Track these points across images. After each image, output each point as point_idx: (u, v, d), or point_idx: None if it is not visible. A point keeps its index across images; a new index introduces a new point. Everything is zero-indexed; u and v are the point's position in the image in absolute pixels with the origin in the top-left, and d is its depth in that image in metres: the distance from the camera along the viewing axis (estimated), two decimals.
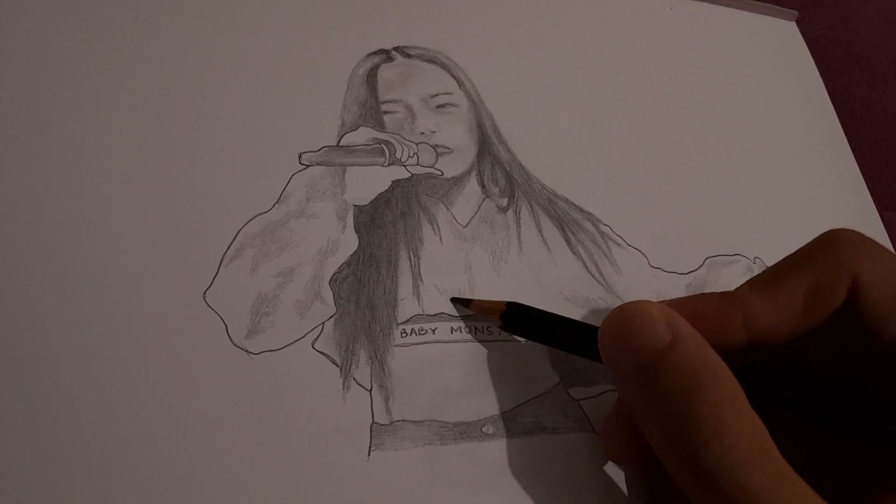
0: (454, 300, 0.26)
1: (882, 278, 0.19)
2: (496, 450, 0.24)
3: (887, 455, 0.19)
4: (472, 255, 0.27)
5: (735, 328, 0.19)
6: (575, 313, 0.27)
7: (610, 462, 0.24)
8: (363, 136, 0.28)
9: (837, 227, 0.21)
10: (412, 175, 0.28)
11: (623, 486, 0.24)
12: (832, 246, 0.20)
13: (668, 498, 0.22)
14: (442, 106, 0.30)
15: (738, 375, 0.18)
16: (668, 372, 0.18)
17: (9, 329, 0.22)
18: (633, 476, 0.24)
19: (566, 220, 0.29)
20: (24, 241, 0.23)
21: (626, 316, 0.19)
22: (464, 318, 0.26)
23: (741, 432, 0.16)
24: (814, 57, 0.40)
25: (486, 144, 0.30)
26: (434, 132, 0.29)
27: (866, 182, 0.36)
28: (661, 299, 0.22)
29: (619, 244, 0.29)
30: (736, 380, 0.18)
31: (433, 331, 0.25)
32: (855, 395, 0.20)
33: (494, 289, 0.27)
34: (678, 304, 0.20)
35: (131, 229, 0.24)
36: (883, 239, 0.34)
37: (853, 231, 0.20)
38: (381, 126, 0.29)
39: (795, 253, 0.20)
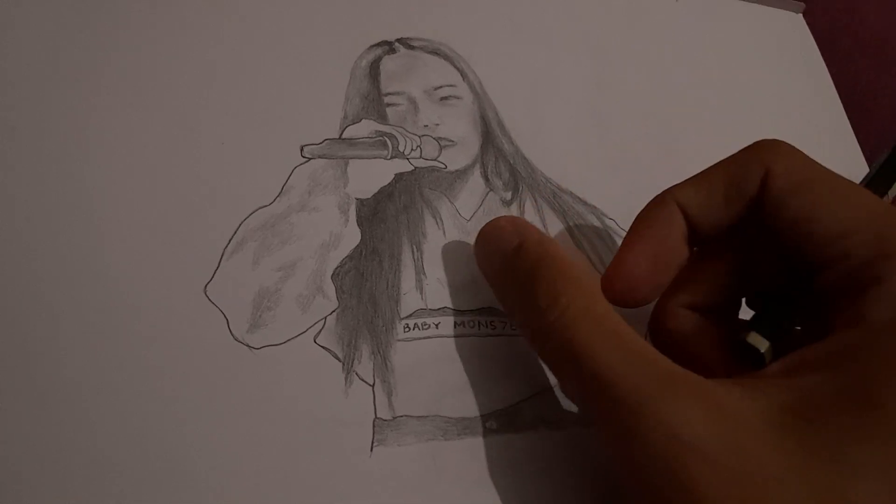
0: None
1: (787, 170, 0.21)
2: (500, 445, 0.23)
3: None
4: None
5: (675, 217, 0.22)
6: None
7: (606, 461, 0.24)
8: (366, 128, 0.28)
9: None
10: (415, 168, 0.28)
11: None
12: (753, 146, 0.22)
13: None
14: (445, 98, 0.30)
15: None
16: (516, 265, 0.22)
17: (9, 322, 0.22)
18: None
19: (571, 213, 0.29)
20: (25, 235, 0.23)
21: (484, 230, 0.24)
22: (467, 312, 0.25)
23: (571, 301, 0.20)
24: (821, 47, 0.39)
25: (490, 137, 0.30)
26: (437, 125, 0.29)
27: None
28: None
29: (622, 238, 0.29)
30: (573, 264, 0.21)
31: (436, 325, 0.25)
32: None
33: None
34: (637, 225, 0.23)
35: (132, 223, 0.24)
36: None
37: (777, 139, 0.22)
38: (383, 118, 0.28)
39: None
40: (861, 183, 0.24)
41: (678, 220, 0.22)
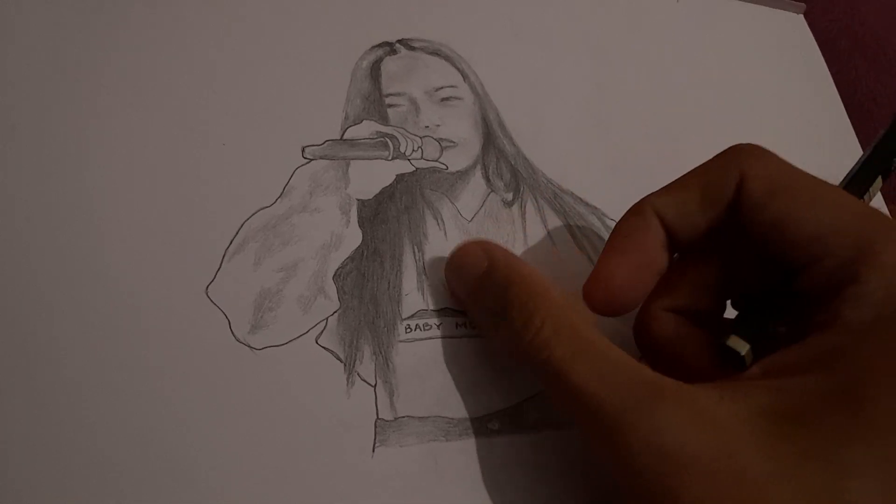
0: None
1: (762, 174, 0.21)
2: (502, 446, 0.23)
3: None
4: None
5: (653, 225, 0.23)
6: None
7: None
8: (367, 129, 0.28)
9: None
10: (416, 169, 0.28)
11: None
12: (728, 152, 0.22)
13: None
14: (446, 99, 0.30)
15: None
16: (487, 288, 0.22)
17: (11, 323, 0.22)
18: None
19: (572, 214, 0.29)
20: (27, 236, 0.23)
21: (452, 256, 0.24)
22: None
23: (544, 320, 0.20)
24: (821, 49, 0.39)
25: (491, 138, 0.30)
26: (438, 125, 0.29)
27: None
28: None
29: None
30: (543, 280, 0.21)
31: (438, 326, 0.25)
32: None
33: None
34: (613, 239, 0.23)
35: (133, 224, 0.24)
36: None
37: (752, 143, 0.22)
38: (384, 119, 0.28)
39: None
40: (840, 184, 0.24)
41: (656, 227, 0.23)
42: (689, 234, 0.23)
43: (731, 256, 0.23)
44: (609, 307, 0.23)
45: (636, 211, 0.23)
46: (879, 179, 0.24)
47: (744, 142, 0.23)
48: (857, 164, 0.25)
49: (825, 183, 0.21)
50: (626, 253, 0.23)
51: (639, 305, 0.24)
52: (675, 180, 0.23)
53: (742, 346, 0.20)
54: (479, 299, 0.23)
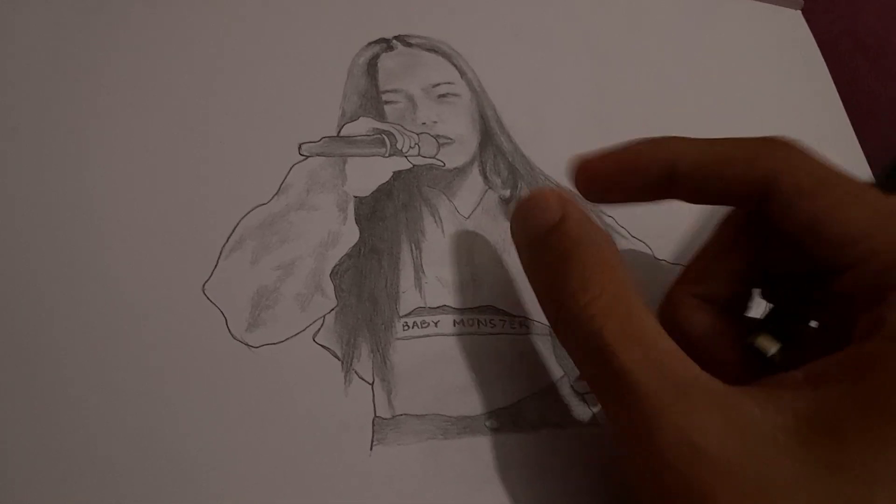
0: None
1: (797, 172, 0.20)
2: (500, 444, 0.23)
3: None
4: (474, 247, 0.27)
5: (662, 156, 0.22)
6: None
7: (615, 459, 0.24)
8: (364, 126, 0.28)
9: None
10: (414, 166, 0.28)
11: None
12: (764, 142, 0.21)
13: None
14: (443, 96, 0.30)
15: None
16: (553, 241, 0.21)
17: (7, 321, 0.22)
18: None
19: None
20: (23, 233, 0.23)
21: (526, 200, 0.22)
22: (467, 310, 0.25)
23: (604, 289, 0.19)
24: (822, 49, 0.39)
25: (489, 135, 0.30)
26: (436, 122, 0.29)
27: (874, 175, 0.36)
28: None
29: (623, 236, 0.29)
30: (616, 251, 0.20)
31: (436, 324, 0.25)
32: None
33: (498, 281, 0.26)
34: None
35: (130, 221, 0.24)
36: None
37: (788, 140, 0.21)
38: (381, 116, 0.28)
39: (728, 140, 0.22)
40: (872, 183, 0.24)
41: (662, 161, 0.22)
42: (692, 189, 0.22)
43: (763, 249, 0.22)
44: (586, 185, 0.23)
45: (654, 140, 0.22)
46: None
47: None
48: (891, 162, 0.24)
49: (860, 183, 0.20)
50: (623, 155, 0.22)
51: (615, 202, 0.24)
52: (707, 139, 0.22)
53: (771, 346, 0.20)
54: (543, 251, 0.21)
